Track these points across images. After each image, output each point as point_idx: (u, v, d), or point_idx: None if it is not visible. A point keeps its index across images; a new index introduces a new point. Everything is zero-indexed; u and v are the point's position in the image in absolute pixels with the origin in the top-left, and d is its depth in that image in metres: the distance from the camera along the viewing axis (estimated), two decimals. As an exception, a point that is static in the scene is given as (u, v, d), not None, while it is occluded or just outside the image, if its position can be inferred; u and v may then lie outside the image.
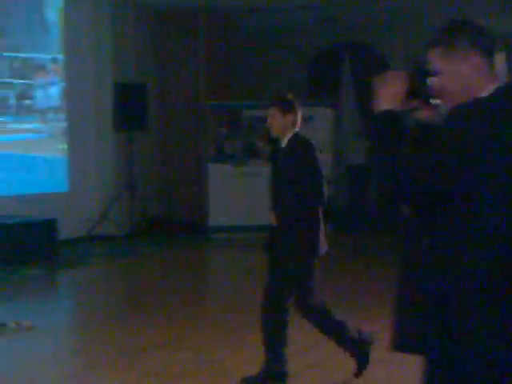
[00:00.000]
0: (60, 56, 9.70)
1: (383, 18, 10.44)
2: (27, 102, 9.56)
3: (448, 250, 2.01)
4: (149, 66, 10.72)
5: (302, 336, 4.72)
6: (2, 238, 8.03)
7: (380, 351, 3.92)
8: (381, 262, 8.16)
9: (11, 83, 9.27)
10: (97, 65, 9.88)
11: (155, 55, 10.86)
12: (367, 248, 9.14)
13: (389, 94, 2.17)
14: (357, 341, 4.20)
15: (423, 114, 2.24)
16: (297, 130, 4.33)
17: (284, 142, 4.32)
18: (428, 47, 2.17)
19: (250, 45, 11.21)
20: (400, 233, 3.96)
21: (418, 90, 2.17)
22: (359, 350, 4.21)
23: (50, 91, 9.84)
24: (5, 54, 9.08)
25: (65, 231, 8.84)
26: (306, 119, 10.04)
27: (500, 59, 2.41)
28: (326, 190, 4.27)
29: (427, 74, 2.15)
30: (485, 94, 2.07)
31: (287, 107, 4.28)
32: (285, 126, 4.28)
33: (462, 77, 2.10)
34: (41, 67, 9.71)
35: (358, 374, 4.25)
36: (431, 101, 2.19)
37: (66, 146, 9.78)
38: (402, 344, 2.24)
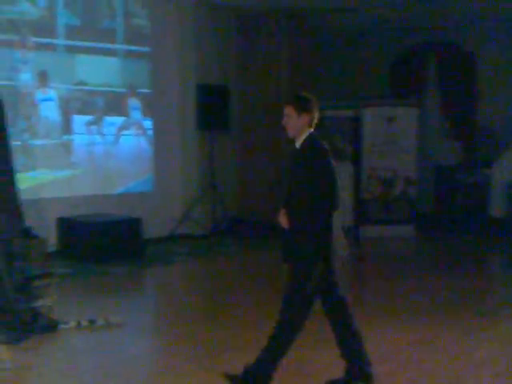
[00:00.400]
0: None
1: (471, 17, 10.15)
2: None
3: None
4: (230, 67, 10.83)
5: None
6: (92, 236, 8.33)
7: None
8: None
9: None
10: (180, 66, 10.07)
11: (237, 57, 10.95)
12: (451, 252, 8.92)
13: None
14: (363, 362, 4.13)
15: None
16: (311, 130, 4.14)
17: (298, 143, 4.15)
18: None
19: (331, 45, 11.14)
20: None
21: None
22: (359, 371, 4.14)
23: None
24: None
25: (149, 230, 9.08)
26: (390, 119, 10.00)
27: None
28: (339, 194, 4.07)
29: None
30: None
31: (303, 106, 4.10)
32: (300, 127, 4.11)
33: None
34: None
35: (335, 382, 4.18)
36: None
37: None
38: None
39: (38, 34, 8.60)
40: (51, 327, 5.52)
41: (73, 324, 5.61)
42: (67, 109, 9.00)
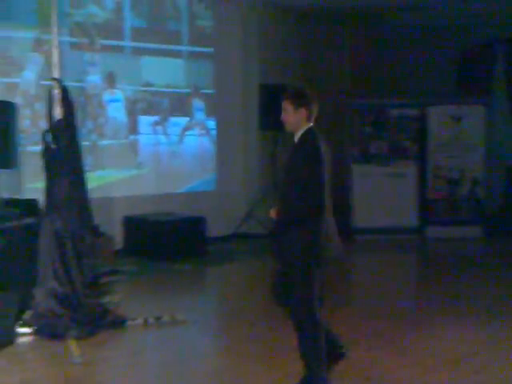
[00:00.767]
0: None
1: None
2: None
3: None
4: (293, 67, 10.82)
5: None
6: (157, 234, 8.48)
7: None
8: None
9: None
10: (243, 67, 10.13)
11: (300, 56, 10.93)
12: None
13: None
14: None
15: None
16: (310, 125, 4.03)
17: (296, 137, 4.05)
18: None
19: (396, 43, 11.00)
20: None
21: None
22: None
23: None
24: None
25: (213, 229, 9.17)
26: (456, 118, 9.80)
27: None
28: (325, 195, 3.87)
29: None
30: None
31: (300, 101, 4.00)
32: (298, 121, 4.02)
33: None
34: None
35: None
36: None
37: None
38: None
39: (105, 37, 8.81)
40: (119, 323, 5.64)
41: (140, 320, 5.72)
42: (133, 109, 9.19)
